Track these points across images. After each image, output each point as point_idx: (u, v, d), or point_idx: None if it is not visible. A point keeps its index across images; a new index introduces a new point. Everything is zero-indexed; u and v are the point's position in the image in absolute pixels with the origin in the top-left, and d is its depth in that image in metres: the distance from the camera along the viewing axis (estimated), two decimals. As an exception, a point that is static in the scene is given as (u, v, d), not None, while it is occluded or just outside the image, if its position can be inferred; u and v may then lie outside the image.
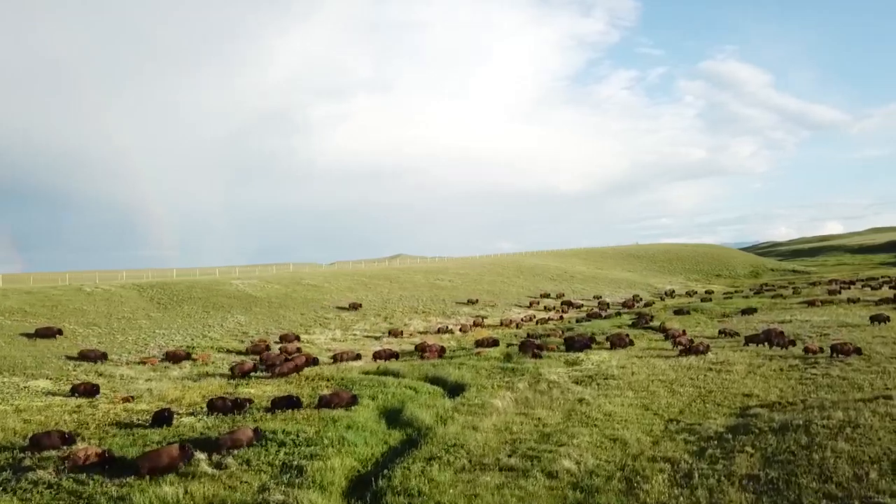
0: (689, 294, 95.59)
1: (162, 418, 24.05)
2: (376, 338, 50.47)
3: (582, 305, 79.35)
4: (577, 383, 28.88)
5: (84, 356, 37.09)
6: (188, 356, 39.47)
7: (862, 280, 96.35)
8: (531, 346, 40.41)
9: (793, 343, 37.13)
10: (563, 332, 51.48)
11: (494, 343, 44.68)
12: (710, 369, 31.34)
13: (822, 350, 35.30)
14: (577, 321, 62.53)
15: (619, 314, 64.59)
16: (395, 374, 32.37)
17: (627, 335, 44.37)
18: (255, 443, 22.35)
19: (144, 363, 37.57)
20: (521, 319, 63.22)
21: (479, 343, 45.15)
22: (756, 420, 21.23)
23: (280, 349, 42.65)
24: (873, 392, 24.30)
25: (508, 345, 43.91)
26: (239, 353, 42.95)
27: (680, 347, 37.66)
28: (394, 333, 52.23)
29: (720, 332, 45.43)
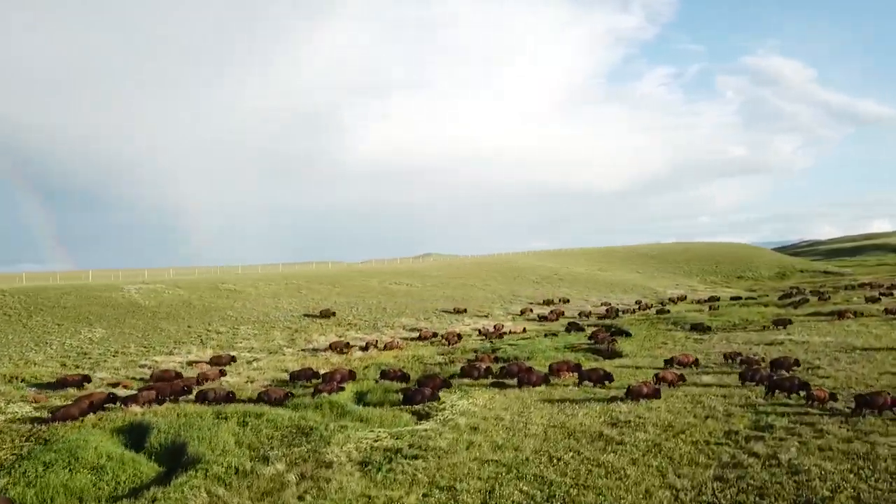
0: (699, 301, 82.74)
1: None
2: (251, 360, 40.36)
3: (589, 313, 68.28)
4: (362, 465, 18.26)
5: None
6: (85, 380, 31.86)
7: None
8: (428, 383, 30.01)
9: (804, 387, 25.75)
10: (492, 354, 40.46)
11: (401, 377, 33.79)
12: (601, 436, 20.39)
13: (833, 398, 24.23)
14: (546, 335, 51.45)
15: (575, 329, 52.72)
16: (132, 435, 22.15)
17: (579, 365, 33.28)
18: None
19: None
20: (480, 332, 52.38)
21: (384, 375, 34.43)
22: None
23: (199, 376, 33.79)
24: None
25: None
26: (143, 380, 34.25)
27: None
28: (283, 353, 42.17)
29: (727, 358, 34.36)
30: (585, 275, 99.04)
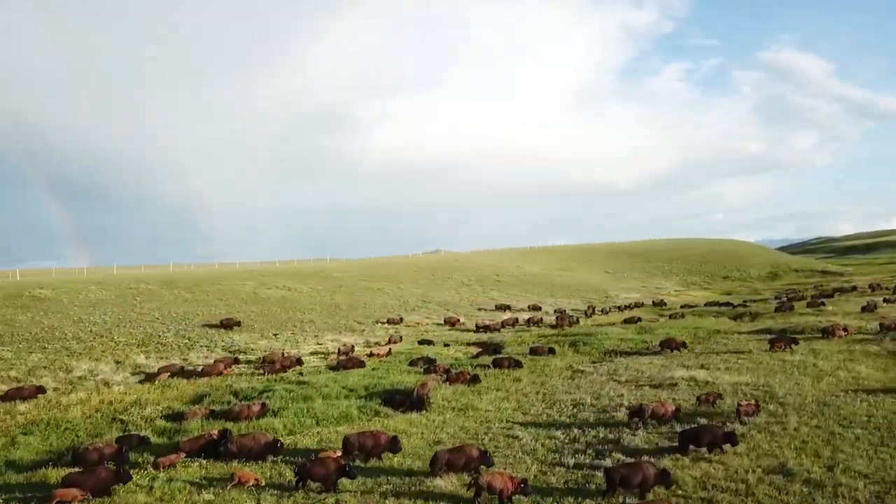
0: (661, 303, 69.36)
1: None
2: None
3: (539, 320, 55.81)
4: None
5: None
6: None
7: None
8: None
9: None
10: (257, 403, 27.73)
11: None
12: None
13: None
14: (427, 360, 39.13)
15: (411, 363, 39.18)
16: None
17: (390, 435, 19.97)
18: None
19: None
20: (340, 352, 39.75)
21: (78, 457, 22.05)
22: None
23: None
24: None
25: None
26: None
27: None
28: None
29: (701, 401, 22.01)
30: (535, 275, 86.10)
